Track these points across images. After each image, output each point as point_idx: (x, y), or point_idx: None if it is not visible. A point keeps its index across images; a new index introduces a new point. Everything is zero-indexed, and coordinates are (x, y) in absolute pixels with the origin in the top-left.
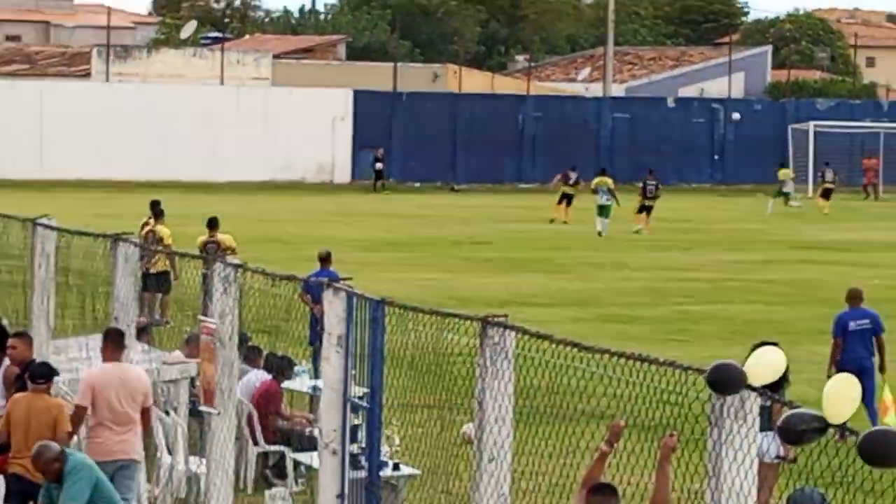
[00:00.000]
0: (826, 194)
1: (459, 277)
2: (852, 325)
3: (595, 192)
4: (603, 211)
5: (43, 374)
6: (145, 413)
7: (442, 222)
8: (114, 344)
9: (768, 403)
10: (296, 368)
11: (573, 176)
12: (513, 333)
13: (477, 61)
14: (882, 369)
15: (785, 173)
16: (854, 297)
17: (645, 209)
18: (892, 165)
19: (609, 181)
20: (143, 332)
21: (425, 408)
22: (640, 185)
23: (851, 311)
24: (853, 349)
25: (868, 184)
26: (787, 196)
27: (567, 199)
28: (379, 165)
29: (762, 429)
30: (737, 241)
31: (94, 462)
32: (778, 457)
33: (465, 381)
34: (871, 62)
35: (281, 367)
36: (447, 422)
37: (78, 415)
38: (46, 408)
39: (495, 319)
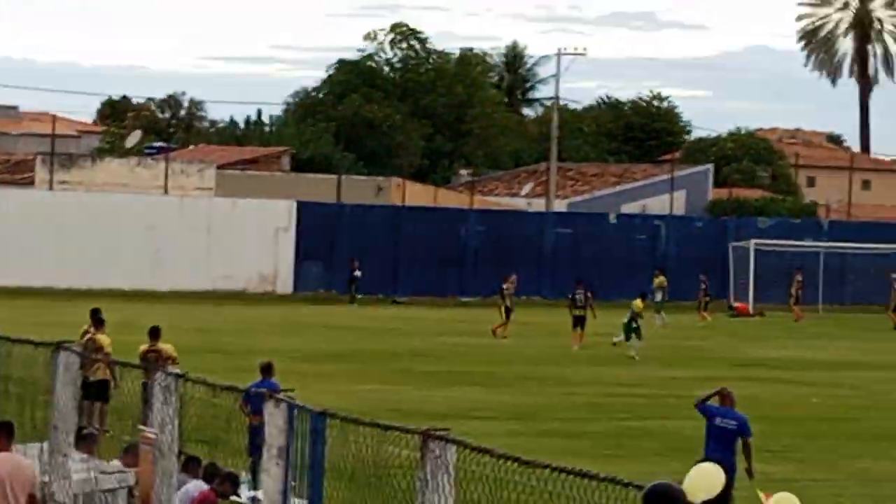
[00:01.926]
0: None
1: (400, 390)
2: (717, 421)
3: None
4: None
5: None
6: (31, 500)
7: (383, 335)
8: (6, 435)
9: None
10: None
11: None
12: (454, 447)
13: (421, 175)
14: (750, 474)
15: (660, 282)
16: (724, 398)
17: (577, 321)
18: (831, 285)
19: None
20: (83, 441)
21: None
22: (569, 296)
23: (720, 407)
24: (716, 445)
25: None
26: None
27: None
28: (358, 273)
29: None
30: (677, 357)
31: None
32: None
33: (406, 495)
34: (811, 182)
35: (222, 479)
36: None
37: None
38: None
39: (436, 433)
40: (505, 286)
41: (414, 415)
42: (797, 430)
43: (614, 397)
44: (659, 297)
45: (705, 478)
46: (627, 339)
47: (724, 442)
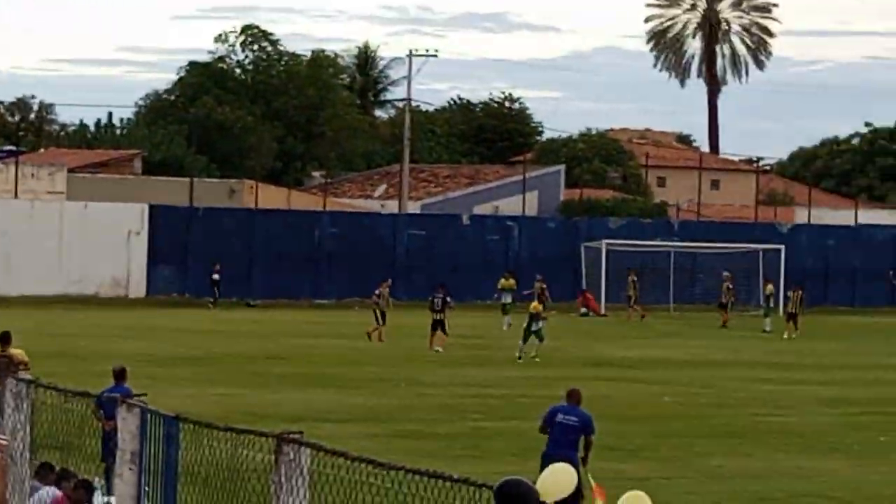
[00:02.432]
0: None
1: (254, 393)
2: (560, 417)
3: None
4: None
5: None
6: None
7: (238, 338)
8: None
9: None
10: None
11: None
12: (308, 450)
13: (273, 177)
14: (585, 462)
15: (510, 284)
16: (570, 396)
17: (436, 324)
18: (681, 284)
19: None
20: None
21: None
22: (430, 298)
23: (565, 405)
24: (556, 439)
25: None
26: (504, 308)
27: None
28: (217, 276)
29: None
30: (530, 357)
31: None
32: None
33: (261, 498)
34: (661, 182)
35: (76, 484)
36: None
37: None
38: None
39: (290, 436)
40: (378, 291)
41: (268, 418)
42: (650, 429)
43: (468, 398)
44: (508, 299)
45: (558, 477)
46: (525, 340)
47: (565, 438)
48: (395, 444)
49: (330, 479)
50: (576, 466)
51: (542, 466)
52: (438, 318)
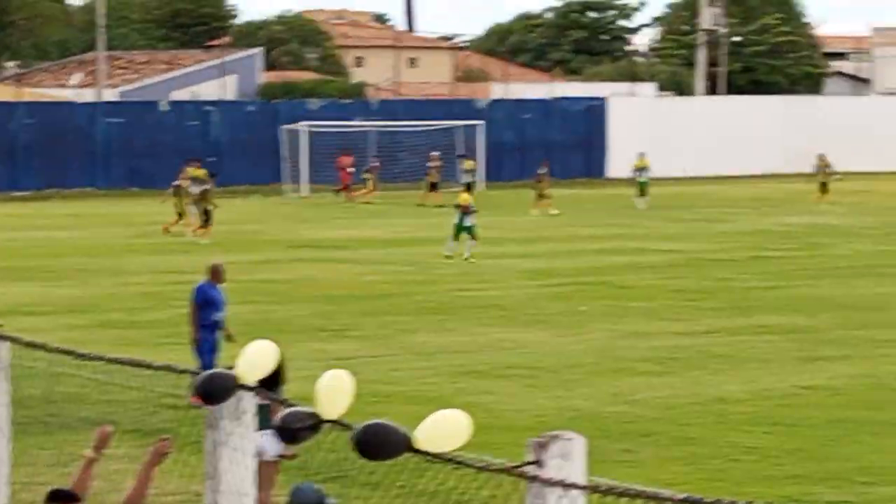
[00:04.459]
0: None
1: None
2: (212, 294)
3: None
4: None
5: None
6: None
7: None
8: None
9: (265, 402)
10: None
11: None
12: (7, 343)
13: None
14: (229, 338)
15: (470, 164)
16: (214, 272)
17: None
18: (384, 163)
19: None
20: None
21: None
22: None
23: (208, 283)
24: (209, 314)
25: (346, 184)
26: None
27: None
28: None
29: (260, 428)
30: (235, 242)
31: None
32: (278, 455)
33: None
34: (359, 62)
35: None
36: None
37: None
38: None
39: None
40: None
41: None
42: (355, 308)
43: (171, 285)
44: (470, 179)
45: (258, 358)
46: (456, 237)
47: (215, 309)
48: (100, 335)
49: (32, 373)
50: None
51: (201, 351)
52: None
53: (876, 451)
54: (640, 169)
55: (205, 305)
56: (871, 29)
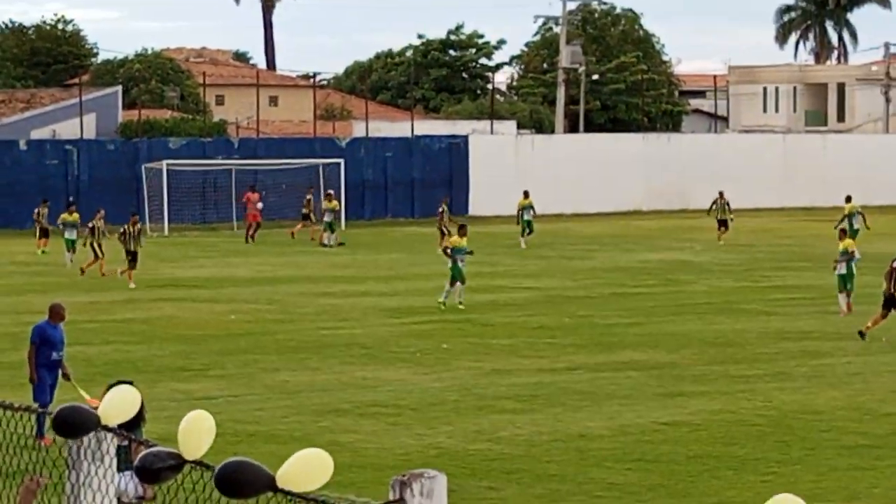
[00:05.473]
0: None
1: None
2: (51, 334)
3: None
4: None
5: None
6: None
7: None
8: None
9: (125, 443)
10: None
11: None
12: None
13: None
14: (67, 377)
15: (333, 204)
16: (53, 312)
17: (131, 255)
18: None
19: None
20: None
21: None
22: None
23: (47, 323)
24: (47, 353)
25: (254, 221)
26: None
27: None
28: None
29: (120, 469)
30: (96, 282)
31: None
32: (138, 496)
33: None
34: (220, 100)
35: None
36: None
37: None
38: None
39: None
40: (92, 224)
41: None
42: (216, 348)
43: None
44: (330, 218)
45: (121, 401)
46: (451, 284)
47: (58, 356)
48: None
49: None
50: (58, 369)
51: (39, 390)
52: (132, 248)
53: (735, 487)
54: (524, 208)
55: (43, 344)
56: (728, 67)
